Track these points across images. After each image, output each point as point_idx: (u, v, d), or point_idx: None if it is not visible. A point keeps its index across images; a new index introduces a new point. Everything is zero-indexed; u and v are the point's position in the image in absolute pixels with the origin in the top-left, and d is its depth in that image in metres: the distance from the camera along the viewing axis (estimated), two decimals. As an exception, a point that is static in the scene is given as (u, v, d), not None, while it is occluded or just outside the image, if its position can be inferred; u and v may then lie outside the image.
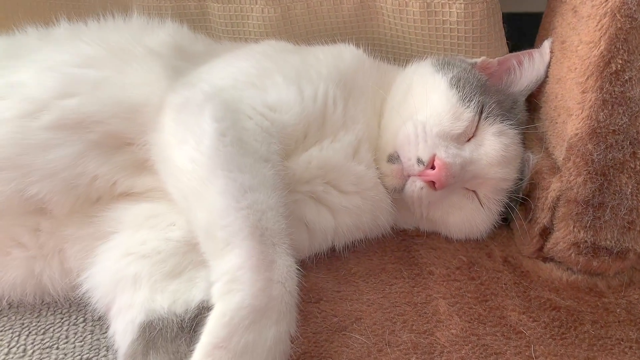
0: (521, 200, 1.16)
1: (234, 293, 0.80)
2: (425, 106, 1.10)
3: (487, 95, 1.13)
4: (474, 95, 1.10)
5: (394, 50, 1.38)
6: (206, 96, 0.98)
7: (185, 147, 0.92)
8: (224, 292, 0.80)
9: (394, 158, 1.09)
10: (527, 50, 1.25)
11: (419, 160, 1.05)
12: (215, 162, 0.89)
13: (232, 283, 0.80)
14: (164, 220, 1.00)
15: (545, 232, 1.12)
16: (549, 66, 1.22)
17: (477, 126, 1.10)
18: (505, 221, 1.21)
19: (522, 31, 1.36)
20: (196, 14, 1.41)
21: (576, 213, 1.06)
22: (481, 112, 1.10)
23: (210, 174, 0.88)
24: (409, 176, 1.07)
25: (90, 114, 0.97)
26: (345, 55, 1.19)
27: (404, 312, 1.00)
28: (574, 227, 1.06)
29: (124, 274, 0.95)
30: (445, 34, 1.30)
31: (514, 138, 1.13)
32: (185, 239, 0.97)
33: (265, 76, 1.08)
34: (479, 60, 1.24)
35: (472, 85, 1.12)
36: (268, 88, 1.05)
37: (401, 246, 1.17)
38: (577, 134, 1.05)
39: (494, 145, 1.09)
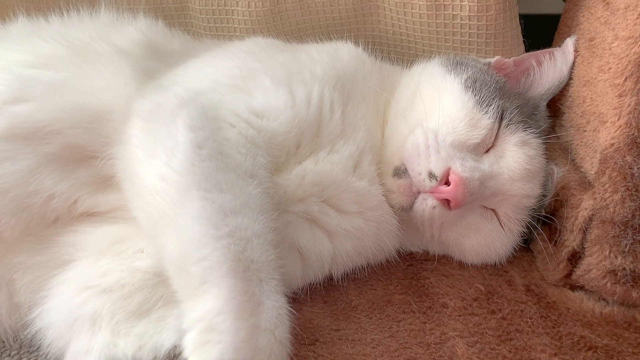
0: (544, 219, 1.02)
1: (211, 345, 0.66)
2: (436, 112, 0.96)
3: (507, 99, 0.99)
4: (493, 99, 0.97)
5: (396, 50, 1.25)
6: (180, 101, 0.85)
7: (154, 163, 0.79)
8: (199, 343, 0.66)
9: (401, 172, 0.95)
10: (547, 49, 1.13)
11: (431, 175, 0.91)
12: (190, 180, 0.76)
13: (209, 332, 0.66)
14: (131, 246, 0.88)
15: (575, 257, 0.98)
16: (573, 67, 1.09)
17: (496, 135, 0.97)
18: (525, 243, 1.07)
19: (535, 35, 1.23)
20: (174, 8, 1.28)
21: (613, 236, 0.92)
22: (501, 119, 0.97)
23: (184, 194, 0.75)
24: (418, 193, 0.93)
25: (46, 123, 0.85)
26: (342, 53, 1.05)
27: (416, 355, 0.85)
28: (610, 251, 0.93)
29: (81, 312, 0.83)
30: (455, 30, 1.17)
31: (538, 148, 1.00)
32: (155, 269, 0.84)
33: (250, 77, 0.94)
34: (492, 60, 1.11)
35: (490, 87, 0.99)
36: (254, 91, 0.91)
37: (408, 273, 1.02)
38: (613, 144, 0.92)
39: (516, 157, 0.96)
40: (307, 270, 0.93)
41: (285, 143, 0.89)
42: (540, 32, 1.23)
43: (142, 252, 0.86)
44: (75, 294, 0.83)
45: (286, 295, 0.75)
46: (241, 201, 0.76)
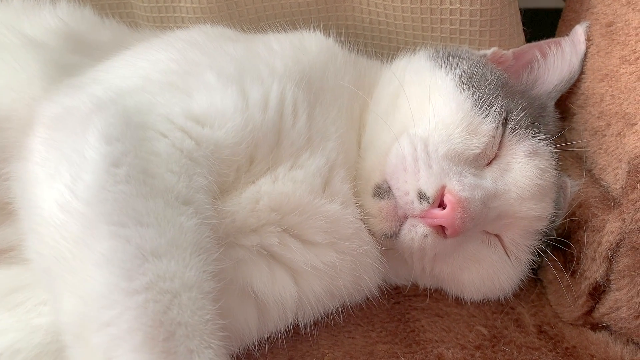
0: (556, 243, 0.84)
1: None
2: (425, 115, 0.79)
3: (511, 98, 0.82)
4: (495, 98, 0.80)
5: (374, 41, 1.10)
6: (96, 104, 0.68)
7: (56, 186, 0.61)
8: None
9: (383, 191, 0.77)
10: (552, 39, 0.97)
11: (421, 195, 0.73)
12: (98, 211, 0.58)
13: None
14: (32, 296, 0.70)
15: (598, 291, 0.82)
16: (585, 58, 0.93)
17: (500, 143, 0.80)
18: (533, 271, 0.89)
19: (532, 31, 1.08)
20: (112, -5, 1.09)
21: (647, 266, 0.75)
22: (506, 123, 0.80)
23: (88, 231, 0.57)
24: (405, 217, 0.76)
25: None
26: (309, 45, 0.88)
27: None
28: (643, 285, 0.76)
29: None
30: (443, 17, 1.01)
31: (550, 159, 0.83)
32: None
33: (191, 73, 0.76)
34: (488, 52, 0.96)
35: (491, 84, 0.82)
36: (194, 90, 0.73)
37: (394, 313, 0.84)
38: (645, 152, 0.74)
39: (525, 170, 0.79)
40: (264, 320, 0.74)
41: (233, 158, 0.71)
42: (538, 28, 1.06)
43: (45, 304, 0.68)
44: (-46, 364, 0.65)
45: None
46: (168, 238, 0.58)
